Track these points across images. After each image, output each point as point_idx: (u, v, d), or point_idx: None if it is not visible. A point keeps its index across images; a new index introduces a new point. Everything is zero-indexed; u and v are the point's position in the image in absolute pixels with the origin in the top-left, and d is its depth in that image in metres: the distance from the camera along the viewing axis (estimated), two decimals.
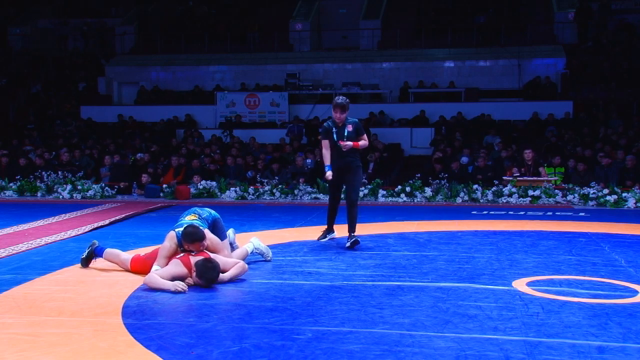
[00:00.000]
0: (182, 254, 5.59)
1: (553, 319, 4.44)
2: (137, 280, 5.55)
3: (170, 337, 4.11)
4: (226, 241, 6.19)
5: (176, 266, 5.48)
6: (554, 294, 5.10)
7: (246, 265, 5.76)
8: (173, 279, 5.38)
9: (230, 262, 5.69)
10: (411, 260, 6.53)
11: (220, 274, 5.51)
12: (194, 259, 5.47)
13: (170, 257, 5.63)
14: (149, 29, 24.19)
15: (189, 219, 6.04)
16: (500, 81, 20.35)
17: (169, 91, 21.63)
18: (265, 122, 19.36)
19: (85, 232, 8.43)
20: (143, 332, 4.21)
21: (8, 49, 24.35)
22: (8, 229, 8.63)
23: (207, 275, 5.34)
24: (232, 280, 5.57)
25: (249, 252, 6.35)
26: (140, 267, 5.83)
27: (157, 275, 5.36)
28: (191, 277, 5.43)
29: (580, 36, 21.19)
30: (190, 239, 5.58)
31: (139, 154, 15.79)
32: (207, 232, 5.82)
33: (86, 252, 6.21)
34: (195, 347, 3.92)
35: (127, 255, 6.09)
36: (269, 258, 6.51)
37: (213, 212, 6.29)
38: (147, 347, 3.92)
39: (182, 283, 5.26)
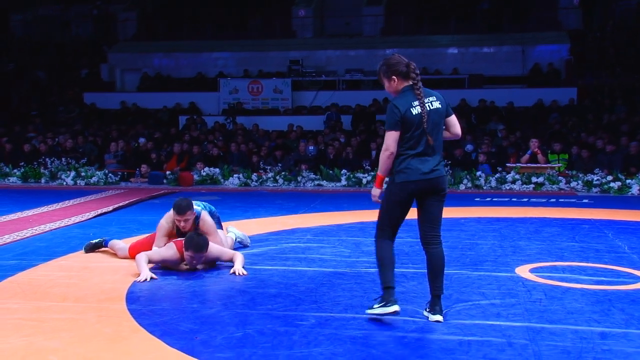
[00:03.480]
0: (177, 238, 5.63)
1: (556, 305, 4.44)
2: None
3: (174, 322, 4.13)
4: (221, 232, 6.18)
5: (168, 250, 5.53)
6: (557, 281, 5.11)
7: (243, 256, 5.71)
8: (164, 261, 5.47)
9: (228, 254, 5.67)
10: (414, 247, 6.51)
11: (219, 254, 5.58)
12: None
13: (167, 236, 5.70)
14: (151, 16, 24.09)
15: None
16: (504, 68, 20.24)
17: (172, 78, 21.58)
18: (269, 108, 19.33)
19: (89, 219, 8.44)
20: (147, 317, 4.23)
21: (10, 35, 24.29)
22: (12, 215, 8.65)
23: (195, 242, 5.35)
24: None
25: (235, 241, 6.37)
26: (137, 251, 5.83)
27: (148, 256, 5.42)
28: (184, 261, 5.48)
29: (585, 22, 21.05)
30: (177, 209, 5.60)
31: (141, 139, 15.74)
32: (203, 214, 5.84)
33: (96, 240, 6.31)
34: (199, 332, 3.94)
35: (124, 245, 6.15)
36: (247, 244, 6.52)
37: (210, 205, 6.26)
38: (152, 332, 3.94)
39: (152, 274, 5.23)
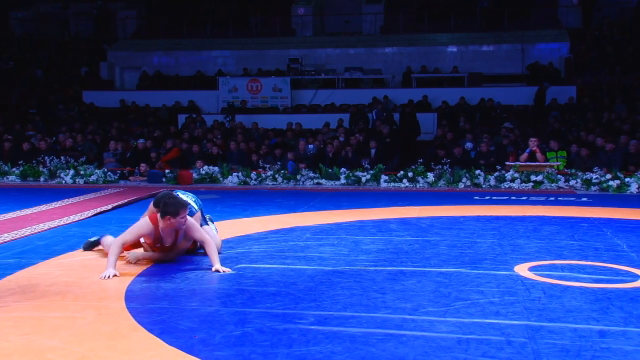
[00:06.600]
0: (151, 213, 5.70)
1: (555, 304, 4.44)
2: (140, 265, 5.58)
3: (173, 321, 4.13)
4: (209, 228, 6.19)
5: (144, 224, 5.54)
6: (555, 279, 5.11)
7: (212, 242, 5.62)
8: (139, 235, 5.56)
9: (202, 235, 5.64)
10: (413, 245, 6.54)
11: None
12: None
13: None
14: (151, 14, 24.08)
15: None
16: (504, 66, 20.25)
17: (171, 76, 21.58)
18: (268, 107, 19.33)
19: (89, 217, 8.44)
20: (146, 316, 4.23)
21: (10, 33, 24.26)
22: (11, 213, 8.65)
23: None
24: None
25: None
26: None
27: (123, 240, 5.43)
28: (158, 238, 5.53)
29: (585, 20, 21.05)
30: (171, 211, 5.42)
31: (140, 140, 15.76)
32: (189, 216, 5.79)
33: (94, 238, 6.32)
34: (198, 331, 3.94)
35: (113, 240, 6.16)
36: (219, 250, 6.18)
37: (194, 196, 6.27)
38: (150, 331, 3.94)
39: (114, 272, 5.21)
